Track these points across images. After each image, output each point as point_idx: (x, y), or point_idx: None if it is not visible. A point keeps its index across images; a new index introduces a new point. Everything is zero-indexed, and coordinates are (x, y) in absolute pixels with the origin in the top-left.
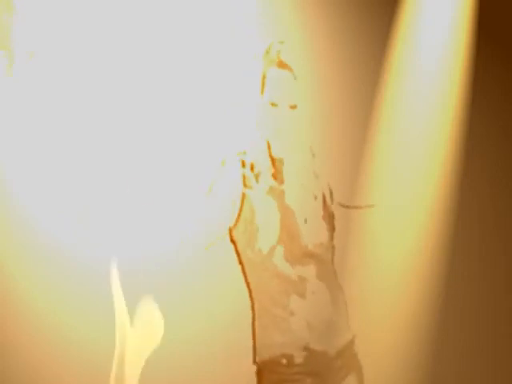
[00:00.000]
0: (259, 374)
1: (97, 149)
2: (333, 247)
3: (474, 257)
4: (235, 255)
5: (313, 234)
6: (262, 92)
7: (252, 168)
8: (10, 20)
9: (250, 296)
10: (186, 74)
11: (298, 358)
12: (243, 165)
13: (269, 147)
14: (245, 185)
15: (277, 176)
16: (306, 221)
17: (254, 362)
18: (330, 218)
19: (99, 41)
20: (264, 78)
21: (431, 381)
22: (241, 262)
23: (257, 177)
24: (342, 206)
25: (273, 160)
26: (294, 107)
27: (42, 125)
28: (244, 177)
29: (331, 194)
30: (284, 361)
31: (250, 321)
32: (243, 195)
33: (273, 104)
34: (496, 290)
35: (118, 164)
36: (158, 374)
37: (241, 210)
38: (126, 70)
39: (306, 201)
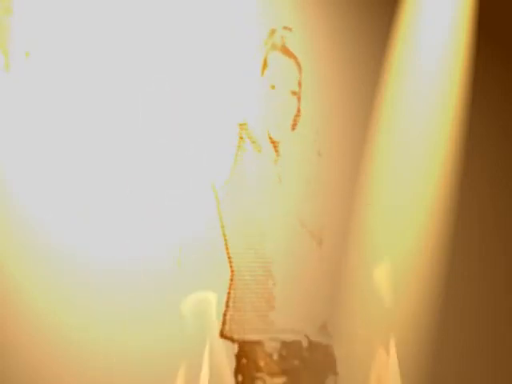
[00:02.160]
0: (239, 356)
1: (96, 148)
2: (321, 238)
3: (474, 257)
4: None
5: (307, 216)
6: (263, 74)
7: (250, 137)
8: (8, 20)
9: (230, 266)
10: (185, 78)
11: (276, 347)
12: (242, 128)
13: (268, 130)
14: (239, 147)
15: (276, 158)
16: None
17: (222, 335)
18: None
19: (97, 40)
20: (265, 60)
21: (431, 381)
22: (224, 236)
23: (257, 147)
24: None
25: (272, 142)
26: (295, 93)
27: (40, 124)
28: (240, 141)
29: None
30: (263, 348)
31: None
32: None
33: (272, 87)
34: (496, 290)
35: (118, 164)
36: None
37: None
38: (124, 68)
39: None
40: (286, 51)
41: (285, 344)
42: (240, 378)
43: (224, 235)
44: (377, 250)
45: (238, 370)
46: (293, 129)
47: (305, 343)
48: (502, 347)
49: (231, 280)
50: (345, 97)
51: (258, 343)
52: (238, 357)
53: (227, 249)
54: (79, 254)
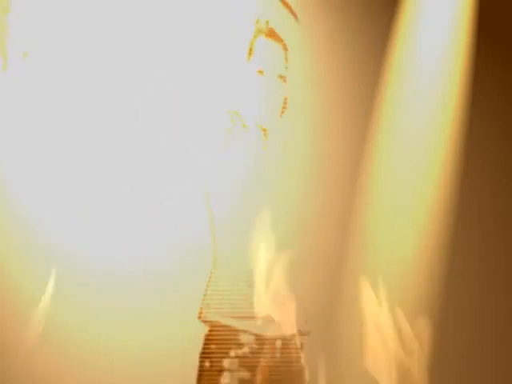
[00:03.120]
0: (208, 340)
1: (95, 148)
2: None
3: (474, 257)
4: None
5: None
6: (249, 60)
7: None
8: (6, 20)
9: (214, 251)
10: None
11: (249, 339)
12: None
13: (257, 116)
14: (230, 134)
15: (265, 143)
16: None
17: (199, 317)
18: None
19: (94, 40)
20: (252, 46)
21: (431, 380)
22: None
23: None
24: None
25: (263, 129)
26: (282, 78)
27: (39, 124)
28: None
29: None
30: (236, 338)
31: None
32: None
33: (260, 72)
34: (496, 289)
35: (117, 164)
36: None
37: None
38: (121, 66)
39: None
40: (271, 35)
41: (259, 338)
42: (207, 363)
43: (212, 224)
44: (377, 250)
45: (206, 355)
46: (281, 115)
47: (279, 343)
48: (502, 347)
49: (214, 263)
50: (345, 97)
51: (232, 332)
52: (207, 340)
53: (213, 234)
54: (79, 253)
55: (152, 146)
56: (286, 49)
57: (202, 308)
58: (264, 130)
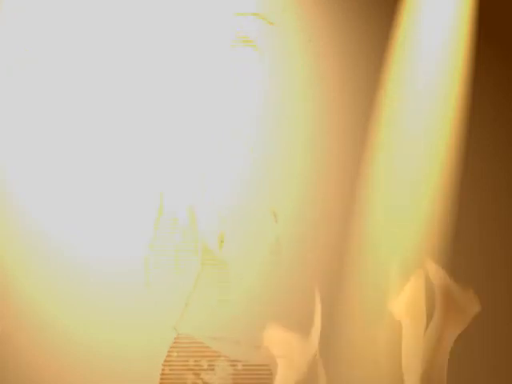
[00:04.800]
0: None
1: (96, 151)
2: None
3: (474, 257)
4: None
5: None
6: (228, 67)
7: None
8: (5, 19)
9: (201, 264)
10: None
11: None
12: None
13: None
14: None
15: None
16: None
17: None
18: None
19: (91, 40)
20: (229, 55)
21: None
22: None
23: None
24: None
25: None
26: (261, 82)
27: (36, 124)
28: None
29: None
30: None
31: None
32: None
33: (239, 78)
34: (496, 290)
35: (118, 167)
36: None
37: None
38: (120, 70)
39: None
40: (248, 43)
41: (222, 358)
42: (167, 370)
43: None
44: (377, 250)
45: (167, 362)
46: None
47: (240, 366)
48: (501, 347)
49: (198, 274)
50: (345, 97)
51: (196, 345)
52: (171, 349)
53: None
54: (79, 254)
55: (145, 148)
56: (260, 51)
57: (179, 319)
58: (252, 135)
